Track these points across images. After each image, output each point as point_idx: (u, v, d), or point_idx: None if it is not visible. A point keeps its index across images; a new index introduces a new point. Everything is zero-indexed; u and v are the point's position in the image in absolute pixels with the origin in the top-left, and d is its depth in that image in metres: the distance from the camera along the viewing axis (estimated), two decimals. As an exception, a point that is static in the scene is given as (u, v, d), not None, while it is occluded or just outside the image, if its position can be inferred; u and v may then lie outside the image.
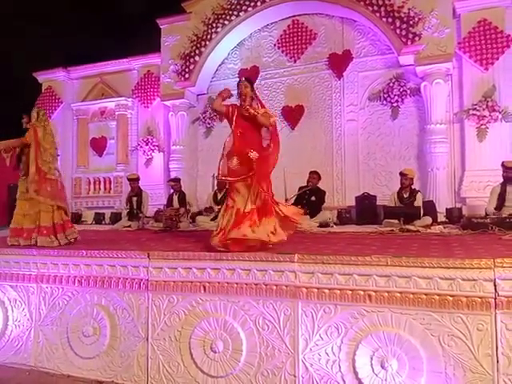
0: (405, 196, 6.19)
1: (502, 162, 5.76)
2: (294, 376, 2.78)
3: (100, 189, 10.46)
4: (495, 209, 5.59)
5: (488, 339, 2.40)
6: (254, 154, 3.26)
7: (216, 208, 6.67)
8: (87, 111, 10.76)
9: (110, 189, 10.31)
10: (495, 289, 2.40)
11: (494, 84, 7.24)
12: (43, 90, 10.96)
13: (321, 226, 6.07)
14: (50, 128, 4.40)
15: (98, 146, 10.63)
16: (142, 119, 10.04)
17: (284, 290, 2.86)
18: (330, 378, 2.71)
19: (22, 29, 13.55)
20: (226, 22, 8.81)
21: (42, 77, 11.02)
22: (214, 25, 8.90)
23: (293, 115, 8.74)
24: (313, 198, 6.79)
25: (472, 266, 2.45)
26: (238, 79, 8.95)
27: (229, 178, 3.37)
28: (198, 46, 9.04)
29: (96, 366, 3.36)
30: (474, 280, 2.44)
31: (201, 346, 3.04)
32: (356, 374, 2.63)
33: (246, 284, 2.97)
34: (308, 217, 6.50)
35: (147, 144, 9.63)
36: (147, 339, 3.21)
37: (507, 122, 7.20)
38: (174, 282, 3.18)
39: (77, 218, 9.47)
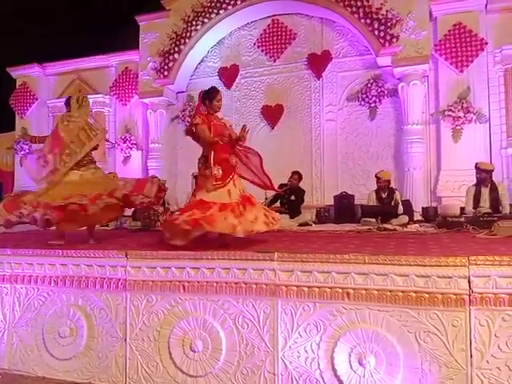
0: (383, 196, 6.29)
1: (476, 164, 5.80)
2: (274, 374, 2.79)
3: (77, 187, 10.27)
4: (473, 209, 5.71)
5: (462, 335, 2.46)
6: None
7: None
8: (63, 108, 10.49)
9: (87, 187, 10.13)
10: (469, 286, 2.46)
11: (469, 86, 7.43)
12: (17, 86, 10.70)
13: (300, 224, 6.11)
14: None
15: (75, 143, 10.42)
16: (119, 117, 9.91)
17: (264, 288, 2.87)
18: (309, 375, 2.73)
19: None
20: (206, 20, 8.78)
21: (16, 72, 10.76)
22: (194, 22, 8.85)
23: (272, 114, 8.78)
24: (292, 197, 6.83)
25: (447, 263, 2.51)
26: (217, 78, 9.09)
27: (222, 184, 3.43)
28: (178, 43, 8.97)
29: (73, 367, 3.29)
30: (449, 277, 2.49)
31: (180, 346, 3.02)
32: (335, 370, 2.65)
33: (226, 283, 2.96)
34: (287, 216, 6.54)
35: (125, 142, 9.52)
36: (125, 339, 3.17)
37: (481, 123, 7.39)
38: (152, 281, 3.15)
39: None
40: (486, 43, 7.39)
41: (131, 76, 9.68)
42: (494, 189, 5.66)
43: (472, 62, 7.41)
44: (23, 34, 12.78)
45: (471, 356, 2.44)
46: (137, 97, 9.54)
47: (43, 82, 10.75)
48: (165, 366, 3.05)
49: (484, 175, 5.66)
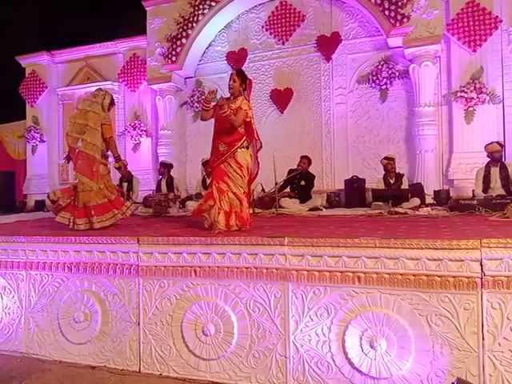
0: (391, 182, 6.27)
1: (485, 146, 5.83)
2: (285, 357, 2.83)
3: (88, 175, 10.34)
4: (482, 191, 5.67)
5: (474, 318, 2.46)
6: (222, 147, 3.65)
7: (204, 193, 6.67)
8: (73, 96, 10.57)
9: (98, 174, 10.21)
10: (481, 269, 2.45)
11: (482, 66, 7.25)
12: (27, 75, 10.73)
13: (310, 209, 6.11)
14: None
15: (85, 131, 10.47)
16: (128, 104, 9.89)
17: (274, 272, 2.88)
18: (320, 358, 2.75)
19: (4, 11, 13.20)
20: (213, 4, 8.66)
21: (25, 61, 10.76)
22: (201, 6, 8.74)
23: (282, 98, 8.69)
24: (302, 183, 6.81)
25: (459, 246, 2.49)
26: (225, 62, 9.01)
27: (208, 169, 3.81)
28: (185, 28, 8.88)
29: (88, 351, 3.37)
30: (461, 260, 2.48)
31: (192, 330, 3.06)
32: (346, 354, 2.67)
33: (237, 268, 2.98)
34: (298, 201, 6.54)
35: (135, 129, 9.51)
36: (139, 324, 3.22)
37: (494, 104, 7.24)
38: (164, 266, 3.18)
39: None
40: (501, 21, 7.18)
41: (139, 62, 9.64)
42: (504, 168, 5.65)
43: (485, 41, 7.22)
44: (31, 22, 12.76)
45: (483, 339, 2.44)
46: (145, 83, 9.50)
47: (52, 70, 10.76)
48: (178, 349, 3.10)
49: (498, 155, 5.69)
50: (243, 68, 8.74)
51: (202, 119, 3.84)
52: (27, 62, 10.75)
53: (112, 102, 4.44)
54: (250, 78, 3.87)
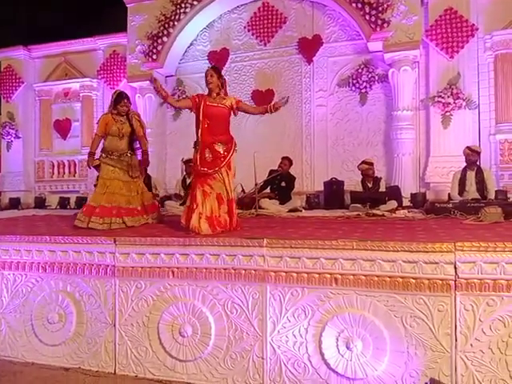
0: (369, 185, 6.34)
1: (467, 146, 5.94)
2: (262, 358, 2.83)
3: (64, 172, 10.20)
4: (458, 194, 5.79)
5: (448, 319, 2.50)
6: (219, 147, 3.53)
7: (183, 193, 6.63)
8: (50, 92, 10.38)
9: (75, 172, 10.08)
10: (455, 271, 2.50)
11: (459, 72, 7.43)
12: (2, 69, 10.48)
13: (290, 210, 6.13)
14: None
15: (62, 128, 10.30)
16: (107, 101, 9.74)
17: (253, 274, 2.88)
18: (297, 359, 2.76)
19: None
20: (195, 3, 8.63)
21: (1, 55, 10.52)
22: (183, 5, 8.69)
23: (263, 100, 8.68)
24: (283, 184, 6.83)
25: (434, 249, 2.54)
26: (207, 61, 8.97)
27: (209, 170, 3.51)
28: (166, 26, 8.82)
29: (62, 352, 3.30)
30: (436, 263, 2.52)
31: (169, 331, 3.03)
32: (322, 355, 2.69)
33: (215, 269, 2.97)
34: (278, 202, 6.56)
35: (113, 127, 9.38)
36: (114, 325, 3.18)
37: (470, 110, 7.42)
38: (141, 267, 3.14)
39: (40, 203, 9.20)
40: (477, 29, 7.38)
41: (119, 59, 9.53)
42: (479, 172, 5.78)
43: (462, 47, 7.40)
44: (8, 16, 12.45)
45: (456, 340, 2.49)
46: (125, 80, 9.39)
47: (29, 65, 10.54)
48: (154, 350, 3.07)
49: (475, 157, 5.81)
50: (225, 68, 8.74)
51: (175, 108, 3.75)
52: (3, 56, 10.52)
53: (116, 100, 4.32)
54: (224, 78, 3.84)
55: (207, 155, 3.53)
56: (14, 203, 9.29)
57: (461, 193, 5.77)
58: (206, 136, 3.53)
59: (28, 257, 3.46)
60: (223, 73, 3.90)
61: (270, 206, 6.26)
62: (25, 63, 10.45)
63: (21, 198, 9.74)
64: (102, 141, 4.36)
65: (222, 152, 3.54)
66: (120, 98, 4.28)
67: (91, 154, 4.36)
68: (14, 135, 10.26)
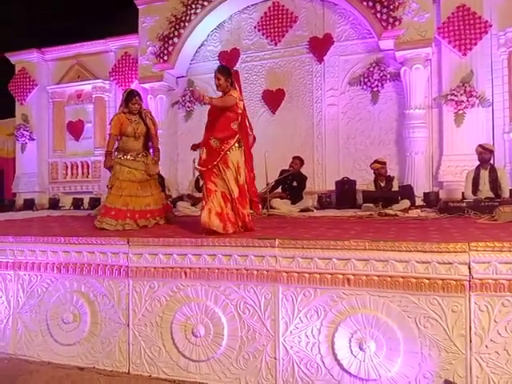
0: (382, 185, 6.30)
1: (480, 144, 5.87)
2: (275, 358, 2.83)
3: (78, 174, 10.30)
4: (472, 193, 5.73)
5: (462, 320, 2.48)
6: (213, 142, 3.50)
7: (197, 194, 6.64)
8: (63, 94, 10.50)
9: (88, 173, 10.17)
10: (469, 272, 2.47)
11: (472, 69, 7.33)
12: (16, 72, 10.62)
13: (301, 210, 6.12)
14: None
15: (75, 129, 10.41)
16: (119, 102, 9.83)
17: (265, 274, 2.88)
18: (310, 359, 2.76)
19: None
20: (206, 3, 8.66)
21: (15, 58, 10.67)
22: (194, 6, 8.73)
23: (273, 99, 8.71)
24: (294, 183, 6.82)
25: (448, 249, 2.51)
26: (217, 62, 8.99)
27: (202, 168, 3.54)
28: (177, 27, 8.86)
29: (77, 352, 3.34)
30: (450, 263, 2.50)
31: (182, 331, 3.05)
32: (335, 355, 2.68)
33: (227, 269, 2.98)
34: (289, 202, 6.55)
35: (126, 128, 9.45)
36: (128, 325, 3.21)
37: (484, 108, 7.32)
38: (154, 268, 3.17)
39: (54, 204, 9.32)
40: (490, 26, 7.27)
41: (131, 61, 9.60)
42: (493, 171, 5.72)
43: (475, 44, 7.31)
44: (22, 19, 12.63)
45: (470, 341, 2.46)
46: (137, 82, 9.46)
47: (43, 68, 10.67)
48: (167, 350, 3.09)
49: (488, 155, 5.75)
50: (235, 68, 8.75)
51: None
52: (17, 59, 10.65)
53: (127, 98, 4.34)
54: (235, 70, 3.79)
55: (203, 152, 3.56)
56: (29, 204, 9.42)
57: (474, 192, 5.71)
58: (205, 133, 3.60)
59: (43, 257, 3.51)
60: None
61: (282, 205, 6.26)
62: (38, 66, 10.58)
63: (35, 199, 9.88)
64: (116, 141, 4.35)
65: (216, 148, 3.49)
66: (131, 96, 4.28)
67: (109, 154, 4.29)
68: (28, 137, 10.40)
